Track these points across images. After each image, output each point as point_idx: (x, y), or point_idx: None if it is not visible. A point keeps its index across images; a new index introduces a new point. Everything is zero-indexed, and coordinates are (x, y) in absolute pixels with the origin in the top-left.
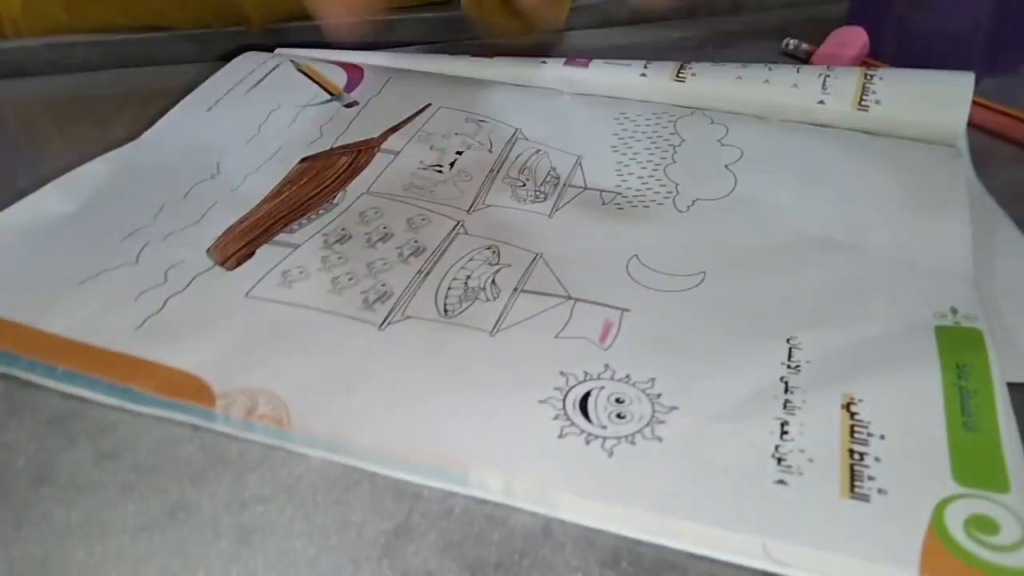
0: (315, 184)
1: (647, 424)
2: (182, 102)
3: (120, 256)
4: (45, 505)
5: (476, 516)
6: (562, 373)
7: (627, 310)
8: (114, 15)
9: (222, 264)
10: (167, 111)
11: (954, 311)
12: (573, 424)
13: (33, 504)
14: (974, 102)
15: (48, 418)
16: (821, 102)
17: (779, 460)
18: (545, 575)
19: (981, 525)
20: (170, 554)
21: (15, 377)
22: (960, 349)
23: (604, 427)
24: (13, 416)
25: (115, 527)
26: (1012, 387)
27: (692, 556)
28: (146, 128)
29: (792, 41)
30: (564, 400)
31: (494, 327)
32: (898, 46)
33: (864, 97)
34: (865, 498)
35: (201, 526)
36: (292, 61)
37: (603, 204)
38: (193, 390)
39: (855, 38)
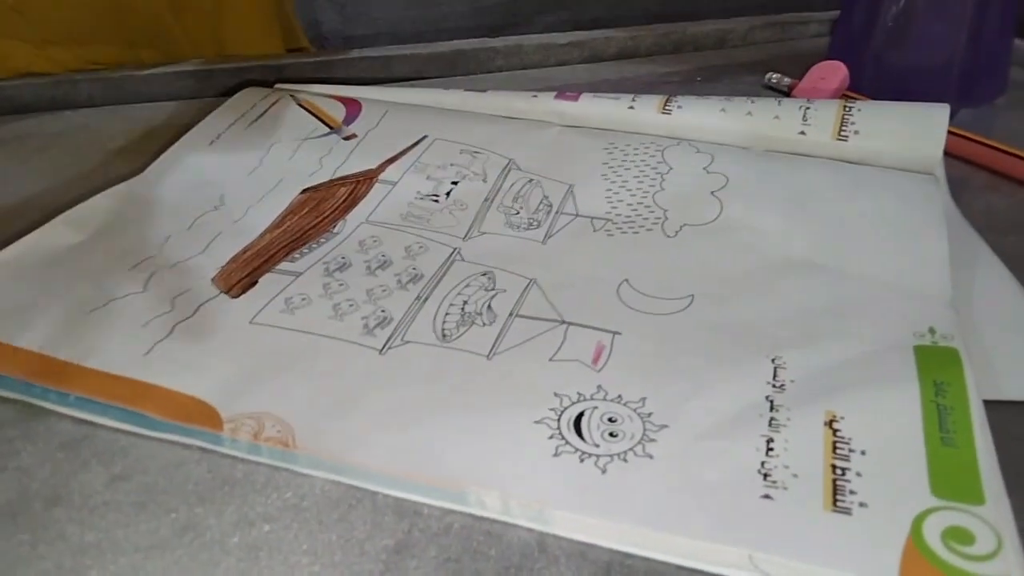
0: (316, 214)
1: (638, 442)
2: (185, 136)
3: (128, 285)
4: (60, 526)
5: (474, 532)
6: (557, 394)
7: (618, 333)
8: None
9: (227, 292)
10: (169, 145)
11: (932, 331)
12: (568, 443)
13: (48, 525)
14: (951, 132)
15: (62, 442)
16: (802, 133)
17: (765, 476)
18: None
19: (958, 536)
20: (180, 571)
21: (29, 403)
22: (938, 367)
23: (597, 445)
24: (28, 441)
25: (127, 546)
26: (987, 404)
27: (682, 568)
28: (150, 162)
29: (774, 75)
30: (559, 420)
31: (491, 351)
32: (877, 80)
33: (843, 128)
34: (847, 511)
35: (210, 544)
36: (292, 96)
37: (594, 231)
38: (201, 415)
39: (835, 72)
